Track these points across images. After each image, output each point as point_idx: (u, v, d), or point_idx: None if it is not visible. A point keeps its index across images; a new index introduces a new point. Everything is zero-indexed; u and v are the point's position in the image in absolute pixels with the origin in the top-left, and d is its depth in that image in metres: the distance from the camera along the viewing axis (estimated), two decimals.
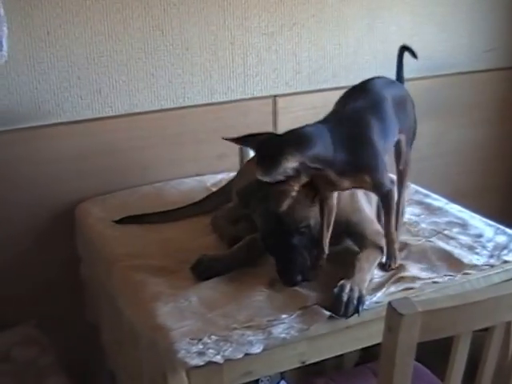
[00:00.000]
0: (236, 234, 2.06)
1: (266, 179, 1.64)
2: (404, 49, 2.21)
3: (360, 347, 1.88)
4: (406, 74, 3.02)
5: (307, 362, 1.78)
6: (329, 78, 2.84)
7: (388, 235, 1.89)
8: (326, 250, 1.88)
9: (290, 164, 1.62)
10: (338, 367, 2.70)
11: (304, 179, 1.71)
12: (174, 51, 2.55)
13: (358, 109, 1.84)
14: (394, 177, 2.04)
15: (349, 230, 1.97)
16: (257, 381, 2.67)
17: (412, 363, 1.42)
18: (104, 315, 2.22)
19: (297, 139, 1.68)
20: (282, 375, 2.82)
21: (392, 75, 3.00)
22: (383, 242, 1.92)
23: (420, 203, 2.34)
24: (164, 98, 2.58)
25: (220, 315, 1.72)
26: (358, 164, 1.77)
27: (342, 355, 2.02)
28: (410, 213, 2.25)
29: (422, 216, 2.24)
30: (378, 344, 1.76)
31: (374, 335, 1.76)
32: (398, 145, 2.00)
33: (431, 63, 3.06)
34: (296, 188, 1.70)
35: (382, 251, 1.91)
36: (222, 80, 2.66)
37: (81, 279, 2.44)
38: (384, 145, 1.84)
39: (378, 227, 1.99)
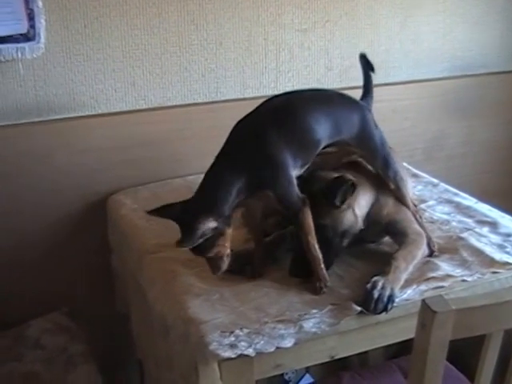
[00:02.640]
0: (265, 228, 2.07)
1: (187, 246, 1.66)
2: (364, 58, 2.11)
3: (388, 343, 1.88)
4: (438, 74, 3.06)
5: (336, 357, 1.79)
6: (360, 76, 2.82)
7: (311, 256, 1.79)
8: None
9: (206, 226, 1.65)
10: (362, 362, 2.72)
11: (228, 232, 1.72)
12: (208, 46, 2.57)
13: (256, 123, 1.81)
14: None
15: (390, 229, 1.97)
16: (282, 374, 2.69)
17: (444, 360, 1.43)
18: (134, 305, 2.24)
19: (205, 203, 1.69)
20: (307, 369, 2.84)
21: (423, 74, 3.04)
22: (424, 242, 1.93)
23: (450, 202, 2.34)
24: (197, 92, 2.60)
25: (252, 308, 1.73)
26: (258, 180, 1.74)
27: (366, 351, 2.03)
28: (440, 211, 2.26)
29: (452, 214, 2.24)
30: (404, 341, 1.80)
31: (402, 332, 1.79)
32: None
33: (462, 63, 3.08)
34: (227, 244, 1.73)
35: (422, 252, 1.92)
36: (255, 75, 2.68)
37: (112, 269, 2.47)
38: (294, 158, 1.78)
39: (419, 228, 1.99)
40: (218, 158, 1.77)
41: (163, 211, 1.75)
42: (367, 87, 2.09)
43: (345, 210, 1.86)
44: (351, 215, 1.87)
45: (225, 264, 1.75)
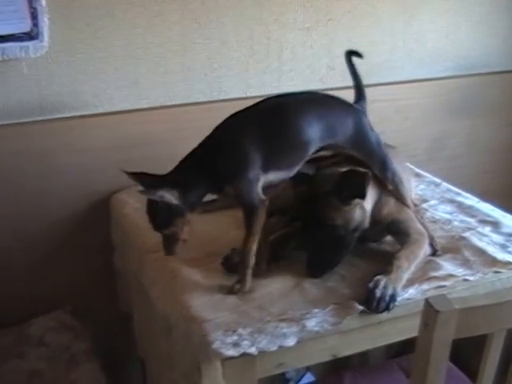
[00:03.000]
0: (270, 227, 2.07)
1: (146, 195, 1.74)
2: (350, 54, 2.10)
3: (390, 342, 1.89)
4: (441, 73, 3.06)
5: (338, 356, 1.80)
6: (362, 75, 2.84)
7: (243, 256, 1.80)
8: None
9: (168, 196, 1.71)
10: (362, 361, 2.72)
11: (189, 217, 1.77)
12: (211, 45, 2.57)
13: (239, 121, 1.84)
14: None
15: (393, 228, 1.98)
16: (283, 372, 2.70)
17: (446, 359, 1.43)
18: (136, 304, 2.25)
19: (175, 181, 1.75)
20: (308, 367, 2.85)
21: (426, 74, 3.04)
22: (426, 242, 1.94)
23: (452, 201, 2.34)
24: (199, 91, 2.60)
25: (254, 307, 1.74)
26: (223, 176, 1.78)
27: (367, 350, 2.04)
28: (442, 211, 2.27)
29: (454, 214, 2.24)
30: (404, 340, 1.80)
31: (404, 331, 1.80)
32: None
33: (465, 62, 3.08)
34: (185, 229, 1.78)
35: (424, 251, 1.92)
36: (258, 74, 2.68)
37: (114, 268, 2.48)
38: (275, 160, 1.80)
39: (422, 228, 1.99)
40: (200, 145, 1.83)
41: (139, 176, 1.81)
42: (359, 90, 2.08)
43: (354, 207, 1.85)
44: (360, 211, 1.87)
45: (178, 248, 1.81)
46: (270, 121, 1.82)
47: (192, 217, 1.78)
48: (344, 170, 1.87)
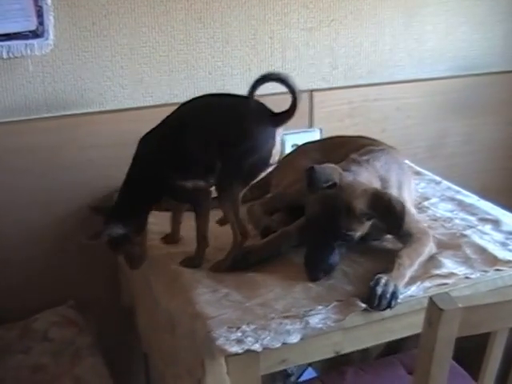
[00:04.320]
0: (270, 224, 2.09)
1: (91, 241, 1.88)
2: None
3: (392, 339, 1.90)
4: (441, 73, 3.08)
5: (341, 353, 1.80)
6: (364, 75, 2.87)
7: (201, 243, 1.96)
8: None
9: (114, 231, 1.88)
10: (363, 357, 2.73)
11: (137, 238, 1.93)
12: (215, 44, 2.59)
13: (152, 138, 2.00)
14: None
15: None
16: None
17: (450, 358, 1.44)
18: (140, 300, 2.25)
19: (119, 212, 1.92)
20: (309, 362, 2.86)
21: (426, 73, 3.05)
22: (430, 240, 1.95)
23: (452, 199, 2.36)
24: (204, 89, 2.60)
25: (258, 304, 1.74)
26: (158, 190, 1.93)
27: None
28: (443, 209, 2.28)
29: (455, 212, 2.25)
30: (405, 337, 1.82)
31: (406, 327, 1.81)
32: None
33: (465, 62, 3.10)
34: (137, 248, 1.95)
35: (429, 249, 1.93)
36: (261, 73, 2.67)
37: (118, 264, 2.48)
38: (182, 168, 1.90)
39: (424, 226, 2.01)
40: (131, 168, 1.97)
41: (98, 209, 2.04)
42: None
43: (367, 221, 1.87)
44: (369, 222, 1.88)
45: (137, 264, 1.99)
46: (172, 135, 1.95)
47: (140, 237, 1.94)
48: (379, 192, 1.86)
